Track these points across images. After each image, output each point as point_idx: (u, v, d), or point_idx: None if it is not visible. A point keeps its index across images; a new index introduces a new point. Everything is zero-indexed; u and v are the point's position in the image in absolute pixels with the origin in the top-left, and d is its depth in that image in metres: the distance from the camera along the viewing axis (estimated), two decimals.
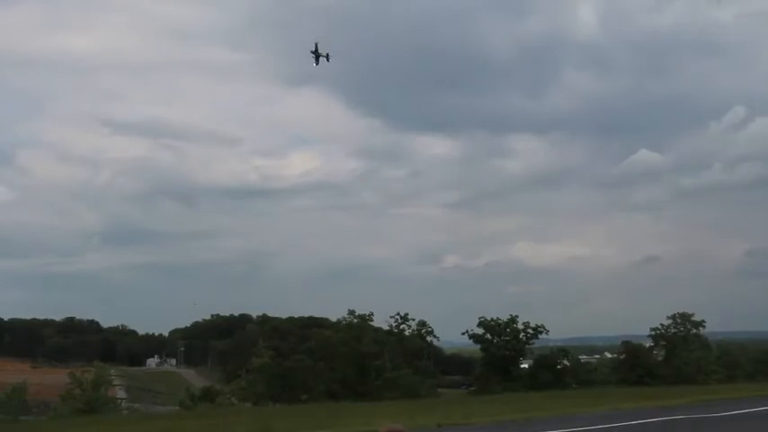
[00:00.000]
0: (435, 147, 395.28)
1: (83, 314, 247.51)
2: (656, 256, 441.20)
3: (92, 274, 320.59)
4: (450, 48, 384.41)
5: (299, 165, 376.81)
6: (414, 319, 77.96)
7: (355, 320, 74.39)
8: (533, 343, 79.14)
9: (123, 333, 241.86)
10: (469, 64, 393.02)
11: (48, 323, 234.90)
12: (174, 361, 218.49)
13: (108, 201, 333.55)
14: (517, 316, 77.19)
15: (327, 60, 37.65)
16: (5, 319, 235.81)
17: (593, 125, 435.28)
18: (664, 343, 79.27)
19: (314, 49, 37.31)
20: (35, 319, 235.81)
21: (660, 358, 78.59)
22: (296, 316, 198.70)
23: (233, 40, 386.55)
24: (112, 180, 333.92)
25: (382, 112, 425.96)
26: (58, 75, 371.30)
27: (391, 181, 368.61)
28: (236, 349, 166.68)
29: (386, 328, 77.85)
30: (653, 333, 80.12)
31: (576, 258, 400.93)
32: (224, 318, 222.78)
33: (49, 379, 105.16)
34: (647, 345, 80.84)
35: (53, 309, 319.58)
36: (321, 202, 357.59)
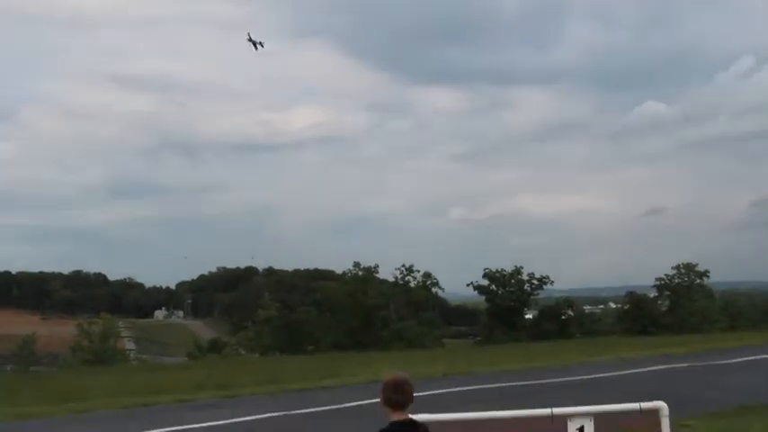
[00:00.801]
0: (441, 99, 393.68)
1: (90, 267, 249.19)
2: (662, 207, 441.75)
3: (98, 228, 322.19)
4: (456, 0, 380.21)
5: (304, 118, 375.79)
6: (419, 271, 78.22)
7: (360, 272, 74.68)
8: (538, 294, 79.46)
9: (130, 286, 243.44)
10: (475, 16, 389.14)
11: (55, 276, 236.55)
12: (181, 313, 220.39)
13: (113, 155, 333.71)
14: (522, 267, 77.51)
15: (262, 47, 37.90)
16: (14, 272, 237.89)
17: (599, 77, 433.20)
18: (668, 293, 79.55)
19: (248, 38, 37.40)
20: (43, 272, 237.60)
21: (664, 308, 78.95)
22: (301, 268, 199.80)
23: None
24: (117, 135, 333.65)
25: (388, 65, 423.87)
26: (61, 30, 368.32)
27: (397, 134, 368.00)
28: (243, 301, 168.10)
29: (391, 279, 78.13)
30: (657, 283, 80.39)
31: (581, 210, 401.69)
32: (230, 271, 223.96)
33: (57, 331, 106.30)
34: (652, 295, 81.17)
35: (60, 262, 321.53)
36: (326, 155, 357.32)
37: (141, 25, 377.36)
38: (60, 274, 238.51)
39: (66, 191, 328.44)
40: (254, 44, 36.70)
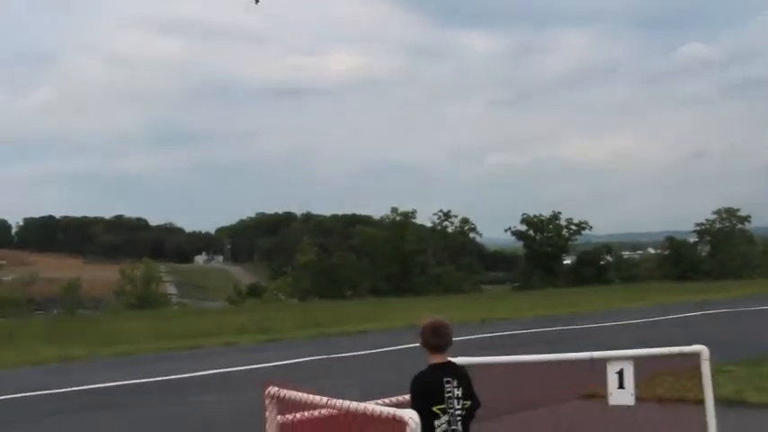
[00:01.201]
0: (479, 42, 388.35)
1: (131, 212, 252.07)
2: (703, 150, 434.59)
3: (139, 174, 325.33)
4: None
5: (341, 62, 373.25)
6: (456, 217, 78.19)
7: (398, 218, 74.80)
8: (576, 239, 79.28)
9: (171, 231, 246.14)
10: None
11: (97, 221, 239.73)
12: (220, 258, 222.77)
13: (151, 101, 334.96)
14: (560, 213, 77.25)
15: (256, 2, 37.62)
16: (57, 216, 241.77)
17: (640, 18, 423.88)
18: (708, 238, 78.88)
19: None
20: (85, 216, 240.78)
21: (704, 254, 78.35)
22: (339, 214, 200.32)
23: None
24: (155, 81, 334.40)
25: (425, 8, 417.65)
26: None
27: (434, 78, 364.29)
28: (281, 247, 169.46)
29: (429, 225, 78.23)
30: (698, 229, 79.71)
31: (620, 154, 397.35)
32: (268, 216, 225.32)
33: (100, 275, 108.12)
34: (692, 240, 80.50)
35: (102, 207, 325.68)
36: (363, 99, 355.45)
37: None
38: (102, 218, 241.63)
39: (105, 136, 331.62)
40: None
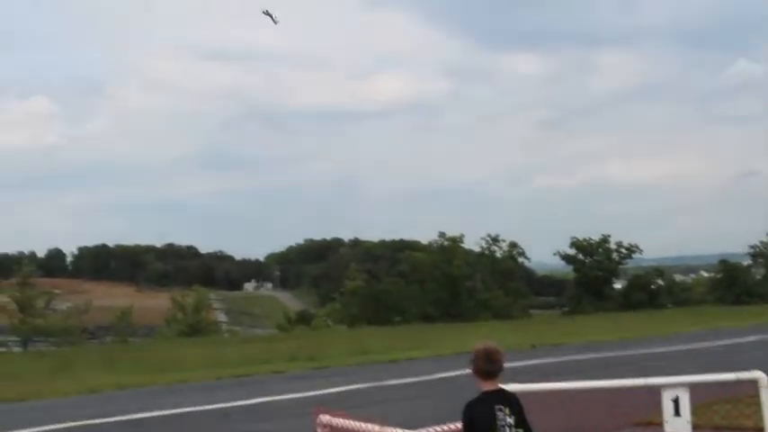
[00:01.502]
0: (523, 64, 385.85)
1: (181, 240, 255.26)
2: (755, 170, 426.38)
3: (188, 201, 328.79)
4: None
5: (386, 86, 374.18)
6: (504, 241, 77.64)
7: (446, 242, 74.55)
8: (626, 263, 78.20)
9: (221, 258, 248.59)
10: None
11: (149, 249, 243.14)
12: (270, 285, 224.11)
13: (200, 127, 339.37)
14: (609, 236, 76.37)
15: (275, 23, 37.97)
16: (111, 245, 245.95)
17: (687, 36, 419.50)
18: (762, 261, 77.38)
19: (265, 12, 37.31)
20: (137, 245, 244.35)
21: (759, 276, 76.79)
22: (387, 239, 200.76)
23: None
24: (204, 107, 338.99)
25: (469, 31, 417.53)
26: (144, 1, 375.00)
27: (479, 101, 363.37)
28: (330, 273, 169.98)
29: (477, 249, 77.82)
30: (751, 251, 78.25)
31: (669, 175, 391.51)
32: (317, 242, 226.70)
33: (152, 303, 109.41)
34: (746, 263, 78.99)
35: (153, 235, 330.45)
36: (409, 123, 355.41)
37: None
38: (153, 247, 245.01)
39: (156, 164, 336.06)
40: (271, 17, 36.69)
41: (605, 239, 75.87)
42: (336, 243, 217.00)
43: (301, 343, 32.89)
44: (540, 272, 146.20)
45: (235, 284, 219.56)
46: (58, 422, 14.62)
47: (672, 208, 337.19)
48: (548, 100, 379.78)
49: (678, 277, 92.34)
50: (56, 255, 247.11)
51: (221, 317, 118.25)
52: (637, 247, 76.32)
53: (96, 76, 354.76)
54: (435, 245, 75.88)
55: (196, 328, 60.94)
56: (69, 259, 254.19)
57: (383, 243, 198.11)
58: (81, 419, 14.78)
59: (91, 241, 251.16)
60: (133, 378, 21.62)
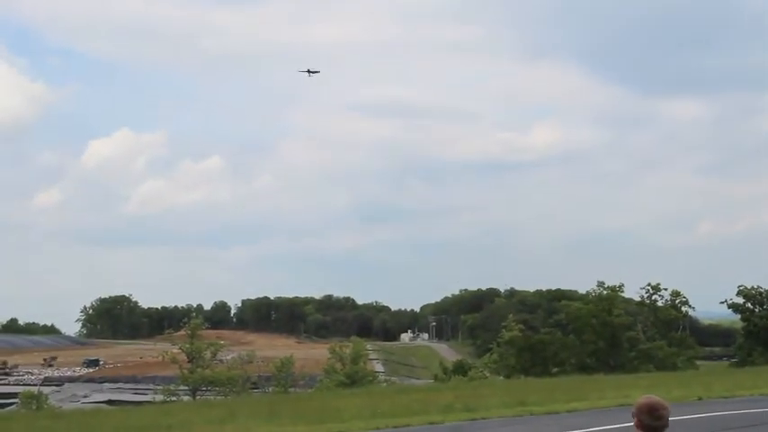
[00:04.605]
0: (683, 109, 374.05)
1: (340, 291, 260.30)
2: None
3: (347, 253, 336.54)
4: (697, 4, 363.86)
5: (540, 136, 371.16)
6: (666, 290, 75.06)
7: (605, 292, 72.80)
8: None
9: (377, 309, 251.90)
10: (718, 20, 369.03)
11: (308, 301, 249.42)
12: (426, 335, 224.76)
13: (359, 182, 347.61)
14: None
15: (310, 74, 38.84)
16: (272, 297, 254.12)
17: None
18: None
19: (306, 70, 38.08)
20: (297, 297, 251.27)
21: None
22: (543, 289, 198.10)
23: (462, 16, 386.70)
24: (362, 161, 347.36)
25: (625, 78, 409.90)
26: (303, 65, 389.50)
27: (637, 147, 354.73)
28: (486, 323, 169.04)
29: (637, 299, 75.57)
30: None
31: None
32: (472, 292, 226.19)
33: (311, 353, 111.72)
34: None
35: (313, 287, 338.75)
36: (565, 172, 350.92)
37: (375, 53, 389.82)
38: (313, 298, 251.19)
39: (317, 218, 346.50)
40: (309, 72, 37.35)
41: None
42: (492, 293, 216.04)
43: (458, 393, 32.61)
44: (706, 321, 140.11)
45: (391, 335, 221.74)
46: None
47: None
48: (710, 144, 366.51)
49: None
50: (221, 307, 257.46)
51: (378, 367, 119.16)
52: None
53: (266, 136, 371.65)
54: (593, 294, 74.24)
55: (354, 378, 61.77)
56: (233, 311, 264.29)
57: (539, 293, 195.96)
58: None
59: (254, 294, 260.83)
60: (293, 427, 22.04)
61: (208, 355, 62.27)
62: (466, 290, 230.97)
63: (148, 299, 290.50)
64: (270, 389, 65.88)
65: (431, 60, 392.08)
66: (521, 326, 75.79)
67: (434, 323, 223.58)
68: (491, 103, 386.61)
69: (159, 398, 57.74)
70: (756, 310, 71.85)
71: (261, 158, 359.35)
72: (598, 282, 73.70)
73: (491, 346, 79.86)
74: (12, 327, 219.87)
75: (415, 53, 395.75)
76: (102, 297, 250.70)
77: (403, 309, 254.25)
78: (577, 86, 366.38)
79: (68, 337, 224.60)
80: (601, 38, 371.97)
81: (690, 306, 76.37)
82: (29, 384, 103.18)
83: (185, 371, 60.76)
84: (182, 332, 68.58)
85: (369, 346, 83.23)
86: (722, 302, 73.96)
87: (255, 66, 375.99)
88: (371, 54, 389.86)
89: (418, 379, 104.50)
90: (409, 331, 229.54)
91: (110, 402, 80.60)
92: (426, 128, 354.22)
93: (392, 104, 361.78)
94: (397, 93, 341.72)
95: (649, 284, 74.92)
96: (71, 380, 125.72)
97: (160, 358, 65.38)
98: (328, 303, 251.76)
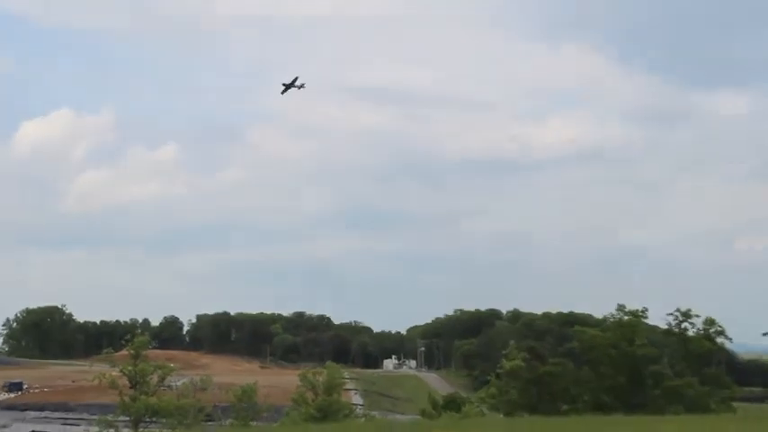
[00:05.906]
0: (725, 104, 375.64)
1: (313, 308, 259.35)
2: None
3: (323, 264, 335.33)
4: None
5: (560, 131, 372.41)
6: (698, 317, 75.34)
7: (626, 317, 73.00)
8: None
9: (357, 330, 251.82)
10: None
11: (275, 318, 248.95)
12: (413, 363, 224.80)
13: (340, 179, 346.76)
14: None
15: (299, 89, 38.66)
16: (232, 313, 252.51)
17: None
18: None
19: (292, 81, 37.82)
20: (262, 313, 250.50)
21: None
22: (553, 312, 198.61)
23: None
24: (347, 155, 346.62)
25: (660, 67, 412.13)
26: (285, 36, 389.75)
27: (670, 148, 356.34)
28: (484, 350, 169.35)
29: (664, 327, 75.79)
30: None
31: None
32: (469, 313, 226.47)
33: (278, 380, 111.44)
34: None
35: (282, 302, 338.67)
36: (586, 174, 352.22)
37: (372, 28, 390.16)
38: (281, 315, 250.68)
39: (290, 220, 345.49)
40: (289, 86, 36.98)
41: None
42: (492, 315, 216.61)
43: None
44: (746, 355, 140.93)
45: (372, 361, 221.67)
46: None
47: None
48: (756, 145, 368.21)
49: None
50: (172, 323, 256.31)
51: (356, 399, 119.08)
52: None
53: (233, 120, 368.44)
54: (612, 320, 74.43)
55: (327, 411, 61.56)
56: (186, 328, 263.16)
57: (548, 316, 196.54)
58: None
59: (211, 308, 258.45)
60: None
61: (154, 379, 61.84)
62: (461, 310, 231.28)
63: (84, 311, 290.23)
64: (227, 422, 65.58)
65: (435, 39, 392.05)
66: (525, 354, 75.79)
67: (423, 348, 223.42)
68: (503, 91, 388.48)
69: (94, 430, 57.38)
70: None
71: (226, 147, 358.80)
72: (618, 305, 74.00)
73: (489, 377, 79.91)
74: None
75: (417, 30, 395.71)
76: (30, 308, 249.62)
77: (387, 330, 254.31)
78: (606, 75, 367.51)
79: None
80: (637, 21, 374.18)
81: (726, 337, 76.70)
82: None
83: (126, 398, 60.31)
84: (123, 352, 67.99)
85: (345, 374, 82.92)
86: (765, 334, 74.37)
87: (224, 37, 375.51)
88: (366, 26, 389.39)
89: (402, 414, 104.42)
90: (394, 357, 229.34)
91: None
92: (425, 117, 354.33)
93: (386, 89, 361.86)
94: (390, 75, 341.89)
95: (678, 310, 75.20)
96: None
97: (97, 382, 64.66)
98: (299, 322, 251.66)
